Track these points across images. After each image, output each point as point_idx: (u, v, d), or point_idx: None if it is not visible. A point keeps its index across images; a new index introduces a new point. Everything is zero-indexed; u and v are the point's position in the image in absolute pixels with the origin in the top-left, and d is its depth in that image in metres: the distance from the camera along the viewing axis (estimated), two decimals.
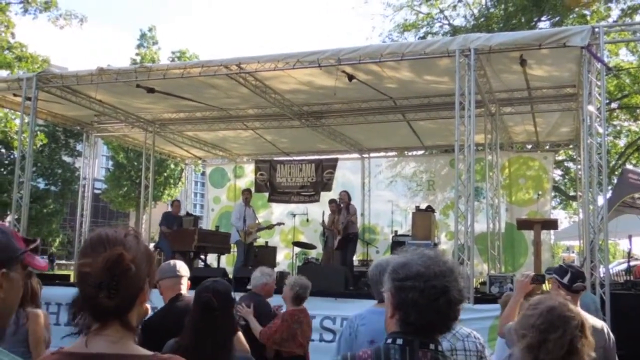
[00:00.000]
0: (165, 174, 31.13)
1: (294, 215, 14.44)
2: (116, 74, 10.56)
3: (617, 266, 15.34)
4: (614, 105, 21.46)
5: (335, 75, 10.24)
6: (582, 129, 9.50)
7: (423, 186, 16.02)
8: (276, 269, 12.82)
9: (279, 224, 14.19)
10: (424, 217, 12.08)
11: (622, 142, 24.15)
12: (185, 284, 4.15)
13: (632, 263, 12.66)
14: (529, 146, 16.00)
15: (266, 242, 14.81)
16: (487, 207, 12.88)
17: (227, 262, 14.80)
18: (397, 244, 11.76)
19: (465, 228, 8.64)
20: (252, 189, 14.53)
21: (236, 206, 13.53)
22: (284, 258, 15.59)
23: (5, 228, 1.61)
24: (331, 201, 13.14)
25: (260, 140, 15.80)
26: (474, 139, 8.73)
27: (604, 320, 6.83)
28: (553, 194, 19.37)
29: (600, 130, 8.46)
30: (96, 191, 49.94)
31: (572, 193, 24.19)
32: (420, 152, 17.44)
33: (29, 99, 11.04)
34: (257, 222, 13.27)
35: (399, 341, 1.89)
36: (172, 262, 4.27)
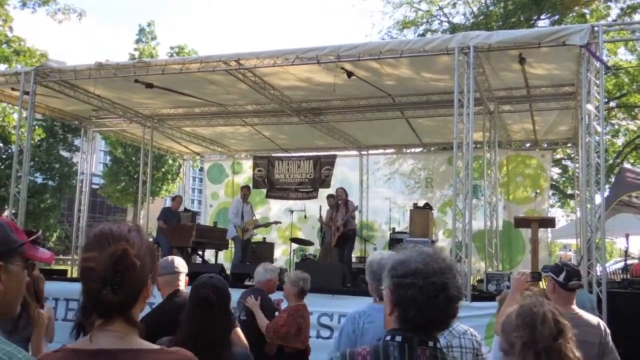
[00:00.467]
0: (163, 170, 31.08)
1: (292, 212, 14.44)
2: (115, 68, 10.53)
3: (614, 265, 15.38)
4: (612, 104, 21.47)
5: (334, 72, 10.24)
6: (580, 128, 9.52)
7: (421, 183, 16.03)
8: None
9: (276, 222, 14.18)
10: (421, 215, 12.09)
11: (620, 141, 24.17)
12: (183, 280, 4.15)
13: (629, 261, 12.67)
14: (527, 144, 16.02)
15: (264, 239, 14.83)
16: (485, 204, 12.89)
17: (224, 258, 14.81)
18: (394, 241, 11.78)
19: (463, 226, 8.65)
20: (250, 185, 14.53)
21: (234, 202, 13.52)
22: (282, 254, 15.61)
23: (3, 221, 1.60)
24: (329, 196, 13.16)
25: (258, 136, 15.80)
26: (472, 137, 8.73)
27: (600, 318, 6.85)
28: (551, 192, 19.41)
29: (599, 129, 8.46)
30: (94, 186, 49.73)
31: (569, 191, 24.22)
32: (418, 150, 17.44)
33: (27, 93, 11.01)
34: (254, 218, 13.27)
35: (398, 338, 1.90)
36: (169, 258, 4.27)
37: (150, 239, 1.88)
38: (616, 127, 23.47)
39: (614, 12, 21.11)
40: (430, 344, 1.89)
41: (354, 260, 13.10)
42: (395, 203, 15.68)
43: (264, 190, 15.64)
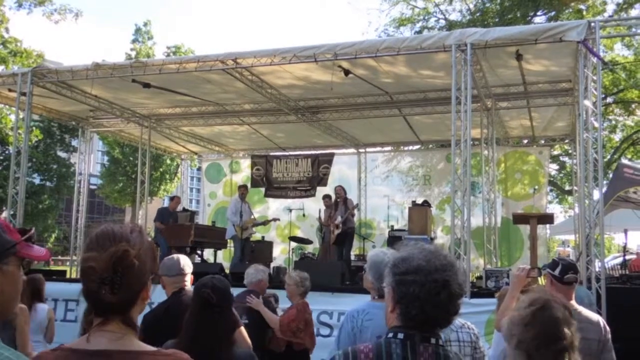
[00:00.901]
0: (161, 170, 31.07)
1: (291, 210, 14.44)
2: (112, 69, 10.52)
3: (613, 260, 15.39)
4: (609, 100, 21.50)
5: (331, 70, 10.23)
6: (578, 124, 9.52)
7: (419, 181, 16.05)
8: (272, 264, 12.87)
9: (275, 219, 14.18)
10: (420, 212, 12.09)
11: (617, 137, 24.21)
12: (189, 280, 4.16)
13: (628, 257, 12.69)
14: (525, 141, 16.04)
15: (262, 237, 14.82)
16: (483, 201, 12.90)
17: (223, 258, 14.81)
18: (393, 238, 11.78)
19: (462, 222, 8.66)
20: (249, 184, 14.52)
21: (232, 201, 13.51)
22: (281, 253, 15.61)
23: None
24: (325, 196, 13.16)
25: (256, 135, 15.79)
26: (470, 134, 8.74)
27: (599, 314, 6.86)
28: (549, 188, 19.42)
29: (596, 124, 8.47)
30: (92, 187, 49.68)
31: (567, 187, 24.26)
32: (416, 147, 17.45)
33: (23, 94, 11.00)
34: (252, 217, 13.27)
35: (400, 335, 1.90)
36: (175, 257, 4.27)
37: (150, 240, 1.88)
38: (613, 122, 23.51)
39: (610, 7, 21.17)
40: (433, 340, 1.90)
41: (353, 258, 13.10)
42: (393, 200, 15.69)
43: (263, 189, 15.64)
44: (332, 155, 15.23)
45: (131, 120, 14.50)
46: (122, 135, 16.68)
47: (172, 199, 14.40)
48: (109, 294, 1.61)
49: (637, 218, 12.21)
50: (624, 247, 13.08)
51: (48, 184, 30.67)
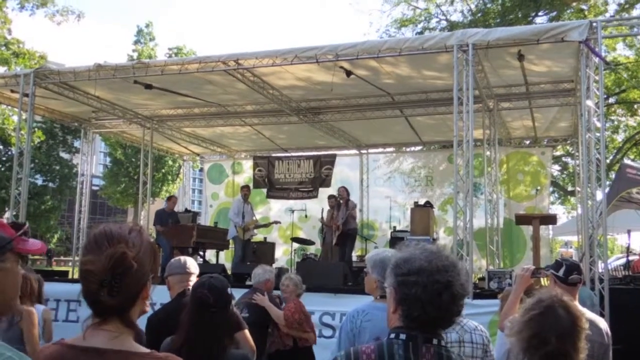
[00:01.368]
0: (163, 171, 31.10)
1: (293, 211, 14.43)
2: (114, 70, 10.52)
3: (616, 261, 15.36)
4: (611, 100, 21.47)
5: (333, 71, 10.22)
6: (580, 124, 9.50)
7: (421, 182, 16.03)
8: (275, 265, 12.85)
9: (276, 222, 14.18)
10: (422, 213, 12.07)
11: (620, 137, 24.16)
12: (194, 281, 4.15)
13: (631, 258, 12.66)
14: (527, 141, 16.01)
15: (265, 238, 14.81)
16: (486, 202, 12.89)
17: (226, 258, 14.80)
18: (395, 239, 11.77)
19: (464, 223, 8.64)
20: (251, 185, 14.52)
21: (235, 202, 13.51)
22: (283, 254, 15.60)
23: None
24: (330, 197, 13.17)
25: (258, 136, 15.79)
26: (472, 135, 8.72)
27: (602, 315, 6.84)
28: (551, 189, 19.39)
29: (599, 124, 8.45)
30: (94, 187, 49.76)
31: (570, 188, 24.21)
32: (418, 148, 17.43)
33: (26, 95, 11.02)
34: (254, 219, 13.26)
35: (402, 336, 1.89)
36: (182, 258, 4.30)
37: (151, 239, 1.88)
38: (616, 123, 23.47)
39: (612, 7, 21.12)
40: (435, 341, 1.89)
41: (354, 259, 13.09)
42: (395, 202, 15.67)
43: (265, 190, 15.63)
44: (334, 156, 15.22)
45: (133, 121, 14.50)
46: (124, 137, 16.69)
47: (168, 199, 14.33)
48: (108, 296, 1.61)
49: None
50: (627, 248, 13.05)
51: (50, 184, 30.76)
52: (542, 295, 2.38)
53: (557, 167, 24.28)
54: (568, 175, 24.73)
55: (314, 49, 9.41)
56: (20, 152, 11.47)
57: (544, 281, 5.58)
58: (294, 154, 16.35)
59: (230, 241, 13.21)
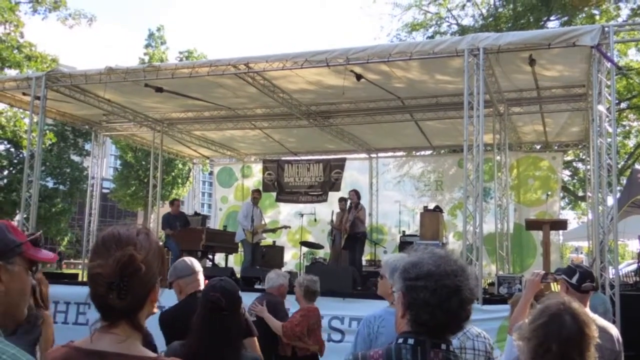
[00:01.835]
0: (173, 174, 31.18)
1: (302, 215, 14.41)
2: (125, 73, 10.57)
3: (627, 267, 15.25)
4: (623, 105, 21.33)
5: (343, 75, 10.22)
6: (591, 129, 9.45)
7: (431, 186, 15.98)
8: (284, 269, 12.85)
9: (285, 227, 14.16)
10: (432, 217, 12.03)
11: (631, 143, 23.99)
12: (202, 279, 4.13)
13: None
14: (538, 146, 15.92)
15: (274, 242, 14.81)
16: (496, 207, 12.83)
17: (234, 262, 14.81)
18: (405, 244, 11.74)
19: (474, 228, 8.59)
20: (261, 189, 14.52)
21: (244, 205, 13.51)
22: (292, 258, 15.59)
23: None
24: (341, 199, 13.15)
25: (268, 139, 15.81)
26: (482, 139, 8.69)
27: (613, 321, 6.79)
28: (562, 194, 19.28)
29: (610, 130, 8.39)
30: (104, 190, 50.15)
31: (580, 193, 24.06)
32: (428, 152, 17.39)
33: (38, 98, 11.08)
34: (263, 222, 13.26)
35: (411, 341, 1.88)
36: (185, 259, 4.28)
37: (160, 243, 1.88)
38: (627, 128, 23.31)
39: (624, 12, 21.00)
40: (443, 346, 1.87)
41: (364, 263, 13.06)
42: (405, 206, 15.64)
43: (274, 194, 15.63)
44: (344, 160, 15.21)
45: (144, 124, 14.56)
46: (135, 140, 16.76)
47: (172, 203, 14.23)
48: (117, 299, 1.61)
49: None
50: (638, 254, 12.95)
51: (61, 187, 30.91)
52: (550, 302, 2.36)
53: (567, 172, 24.14)
54: (579, 180, 24.57)
55: (325, 52, 9.41)
56: (32, 154, 11.54)
57: (554, 286, 5.54)
58: (303, 157, 16.35)
59: (239, 245, 13.21)
